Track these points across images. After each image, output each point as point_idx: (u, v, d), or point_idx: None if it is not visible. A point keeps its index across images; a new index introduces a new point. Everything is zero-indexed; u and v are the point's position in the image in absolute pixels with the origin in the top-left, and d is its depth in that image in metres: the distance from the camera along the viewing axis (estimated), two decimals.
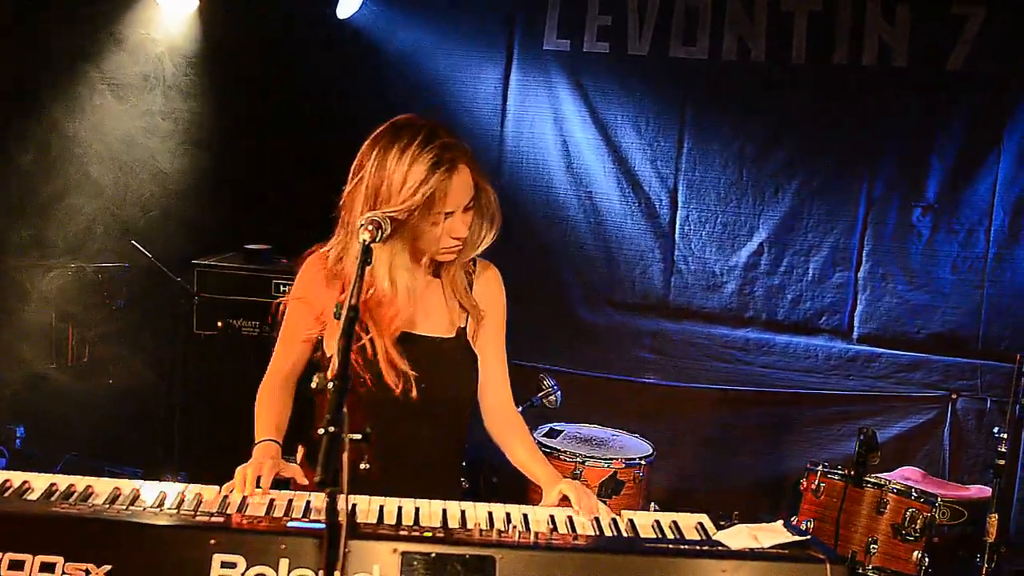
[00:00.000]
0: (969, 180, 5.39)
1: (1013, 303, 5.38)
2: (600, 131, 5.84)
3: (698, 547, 2.38)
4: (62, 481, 2.51)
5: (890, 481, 4.29)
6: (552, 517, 2.56)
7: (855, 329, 5.63)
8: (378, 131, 2.76)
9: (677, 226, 5.82)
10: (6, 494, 2.42)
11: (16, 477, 2.50)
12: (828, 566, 2.28)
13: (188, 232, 5.65)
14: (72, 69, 5.55)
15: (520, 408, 4.67)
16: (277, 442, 2.75)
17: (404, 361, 2.75)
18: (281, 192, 5.75)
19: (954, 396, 5.47)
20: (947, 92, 5.37)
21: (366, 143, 2.76)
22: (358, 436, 1.90)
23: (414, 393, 2.74)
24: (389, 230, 2.56)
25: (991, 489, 4.25)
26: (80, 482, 2.51)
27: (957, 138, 5.40)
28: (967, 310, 5.45)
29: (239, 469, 2.58)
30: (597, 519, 2.57)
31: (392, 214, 2.61)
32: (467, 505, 2.56)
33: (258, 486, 2.54)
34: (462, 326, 2.89)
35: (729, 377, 5.81)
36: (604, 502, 3.05)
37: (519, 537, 2.32)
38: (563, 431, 4.94)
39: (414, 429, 2.83)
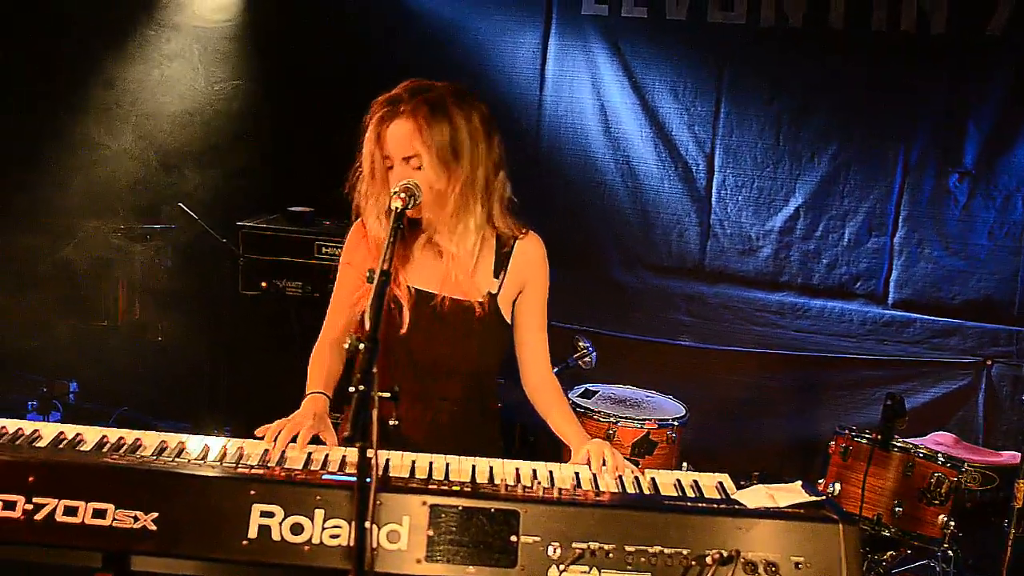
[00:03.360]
0: (1007, 146, 5.38)
1: None
2: (638, 96, 5.87)
3: (716, 505, 2.46)
4: (112, 434, 2.64)
5: (916, 445, 4.33)
6: (577, 474, 2.65)
7: (890, 294, 5.66)
8: None
9: (713, 190, 5.86)
10: (61, 445, 2.55)
11: (69, 430, 2.63)
12: (841, 526, 2.35)
13: (233, 194, 5.77)
14: (118, 35, 5.67)
15: (556, 369, 4.75)
16: (326, 395, 2.89)
17: (406, 303, 2.87)
18: (324, 155, 5.84)
19: (989, 362, 5.49)
20: (985, 58, 5.34)
21: None
22: (387, 394, 2.00)
23: (437, 333, 2.88)
24: (422, 197, 2.67)
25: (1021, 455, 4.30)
26: (129, 435, 2.63)
27: (995, 104, 5.37)
28: (1003, 276, 5.46)
29: (279, 424, 2.70)
30: (620, 477, 2.66)
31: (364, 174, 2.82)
32: (495, 462, 2.65)
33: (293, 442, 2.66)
34: (492, 291, 2.95)
35: (764, 341, 5.86)
36: (637, 462, 3.15)
37: (543, 493, 2.42)
38: (598, 391, 5.02)
39: (438, 389, 2.95)
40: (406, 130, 2.77)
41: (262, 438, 2.67)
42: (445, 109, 2.79)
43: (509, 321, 3.01)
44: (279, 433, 2.66)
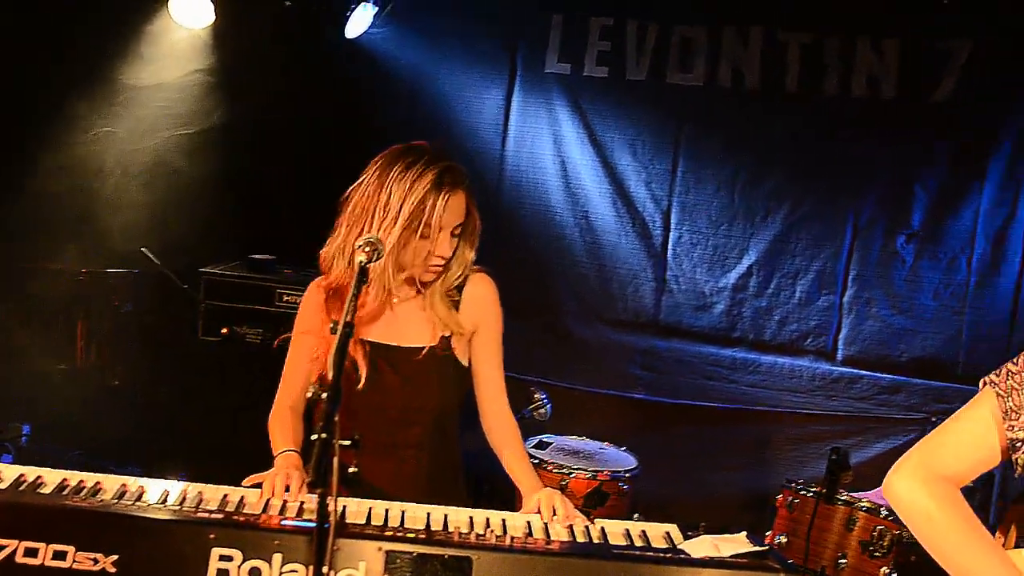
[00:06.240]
0: (953, 209, 5.55)
1: (992, 330, 5.53)
2: (597, 153, 6.01)
3: (663, 554, 2.53)
4: (73, 477, 2.66)
5: (859, 499, 4.43)
6: (529, 523, 2.71)
7: (839, 351, 5.79)
8: (389, 149, 2.96)
9: (669, 247, 5.99)
10: (21, 487, 2.58)
11: (30, 472, 2.66)
12: None
13: (195, 241, 5.81)
14: (89, 80, 5.72)
15: None
16: (297, 452, 2.94)
17: (361, 359, 2.93)
18: (286, 204, 5.92)
19: (933, 419, 5.59)
20: (933, 123, 5.53)
21: (377, 157, 2.96)
22: (347, 442, 2.07)
23: (392, 383, 2.95)
24: (385, 252, 2.75)
25: None
26: (90, 478, 2.67)
27: (942, 168, 5.56)
28: (948, 336, 5.61)
29: (267, 479, 2.74)
30: (571, 526, 2.72)
31: (387, 226, 2.82)
32: (450, 509, 2.71)
33: (287, 490, 2.72)
34: (445, 335, 3.03)
35: (716, 395, 5.96)
36: (589, 513, 3.22)
37: (496, 540, 2.48)
38: (552, 443, 5.07)
39: (400, 437, 3.01)
40: (460, 204, 2.93)
41: (251, 487, 2.73)
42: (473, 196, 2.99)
43: (465, 360, 3.08)
44: (274, 483, 2.71)
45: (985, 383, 2.32)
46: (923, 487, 2.27)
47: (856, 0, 5.56)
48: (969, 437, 2.30)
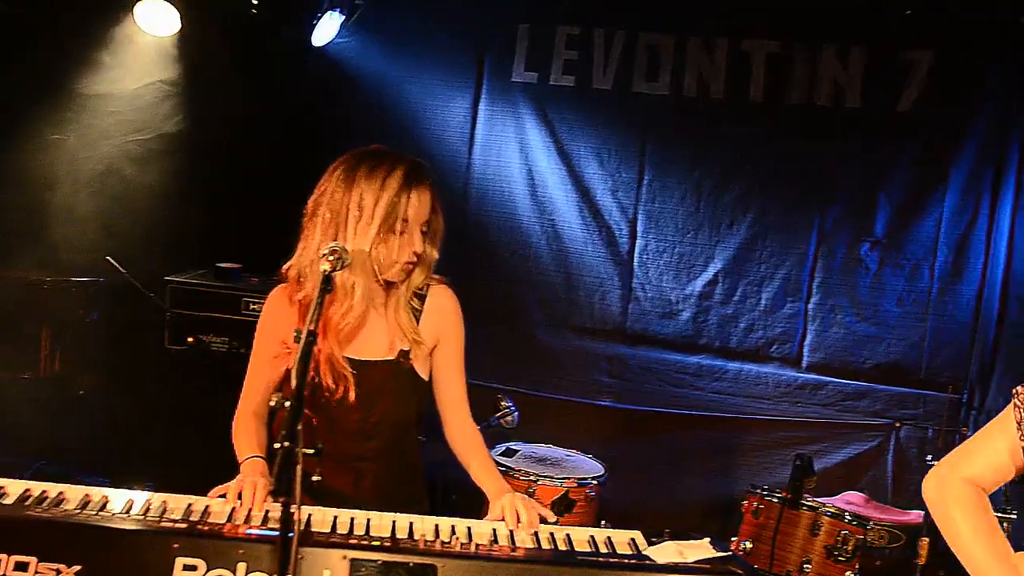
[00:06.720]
0: (915, 217, 5.61)
1: (955, 336, 5.60)
2: (564, 161, 6.03)
3: (627, 560, 2.56)
4: (36, 487, 2.65)
5: (824, 504, 4.47)
6: (494, 530, 2.72)
7: (804, 358, 5.84)
8: (346, 155, 2.95)
9: (636, 255, 6.02)
10: None
11: None
12: None
13: (162, 249, 5.77)
14: (53, 87, 5.69)
15: (478, 427, 4.85)
16: (263, 458, 2.90)
17: (345, 365, 2.91)
18: (253, 213, 5.90)
19: (897, 424, 5.67)
20: (896, 132, 5.59)
21: (334, 164, 2.95)
22: (311, 451, 2.08)
23: (351, 395, 2.91)
24: (350, 260, 2.74)
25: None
26: (52, 488, 2.65)
27: (905, 177, 5.62)
28: (911, 342, 5.67)
29: (232, 487, 2.71)
30: (536, 533, 2.73)
31: (363, 226, 2.81)
32: (415, 517, 2.71)
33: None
34: (404, 348, 3.01)
35: (682, 402, 5.99)
36: (556, 521, 3.23)
37: (460, 548, 2.49)
38: (519, 451, 5.09)
39: (361, 448, 3.00)
40: (429, 199, 2.92)
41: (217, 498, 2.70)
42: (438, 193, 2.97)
43: (424, 374, 3.07)
44: (240, 492, 2.68)
45: (1015, 393, 2.43)
46: (946, 488, 2.44)
47: (821, 11, 5.61)
48: (992, 444, 2.45)
